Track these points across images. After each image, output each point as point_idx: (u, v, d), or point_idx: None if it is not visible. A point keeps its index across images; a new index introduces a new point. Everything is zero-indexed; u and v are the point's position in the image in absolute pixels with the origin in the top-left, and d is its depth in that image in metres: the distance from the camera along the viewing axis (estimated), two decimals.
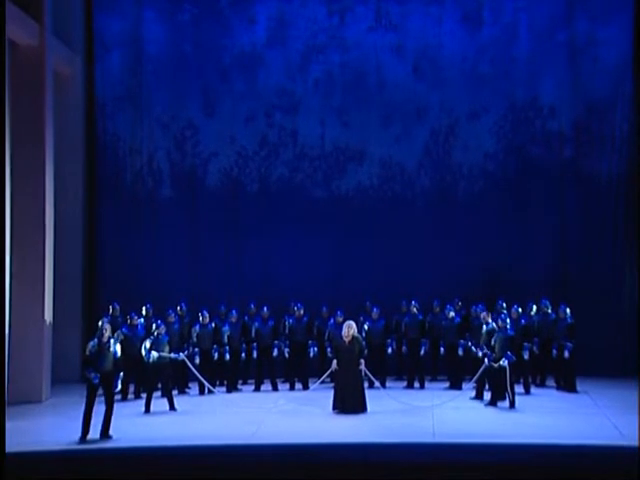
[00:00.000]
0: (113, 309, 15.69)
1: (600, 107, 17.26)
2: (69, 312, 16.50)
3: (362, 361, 13.57)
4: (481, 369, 14.02)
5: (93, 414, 11.84)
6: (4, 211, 13.36)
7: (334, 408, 13.53)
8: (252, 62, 17.74)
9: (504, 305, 15.48)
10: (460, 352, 15.21)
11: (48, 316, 15.16)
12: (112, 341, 12.07)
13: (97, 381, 11.76)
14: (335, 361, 13.73)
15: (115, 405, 12.02)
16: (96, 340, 11.96)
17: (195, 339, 15.44)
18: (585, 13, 17.34)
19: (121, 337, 14.98)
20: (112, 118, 17.64)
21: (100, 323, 15.36)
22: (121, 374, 12.04)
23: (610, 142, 17.24)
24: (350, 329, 13.62)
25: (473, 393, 14.48)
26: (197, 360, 15.29)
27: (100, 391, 11.97)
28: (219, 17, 17.74)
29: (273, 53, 17.75)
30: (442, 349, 15.63)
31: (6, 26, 13.61)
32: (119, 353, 12.09)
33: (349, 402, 13.43)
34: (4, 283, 13.12)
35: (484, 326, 14.54)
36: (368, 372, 13.97)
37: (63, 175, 16.46)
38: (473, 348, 14.96)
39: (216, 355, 15.43)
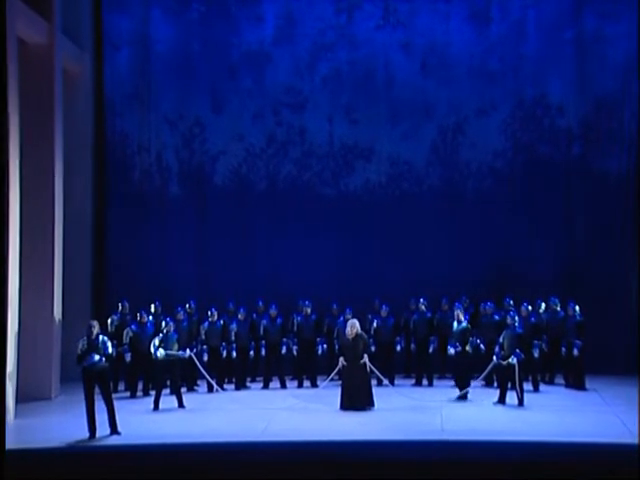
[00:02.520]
0: (122, 307, 15.71)
1: (608, 104, 17.22)
2: (78, 309, 16.51)
3: (365, 356, 13.60)
4: (489, 367, 14.04)
5: (98, 412, 11.88)
6: (10, 209, 13.40)
7: (341, 407, 13.54)
8: (260, 60, 17.74)
9: (511, 303, 15.48)
10: (469, 349, 15.17)
11: (57, 314, 15.20)
12: (101, 338, 12.08)
13: (95, 359, 11.81)
14: (342, 358, 13.76)
15: (124, 402, 12.05)
16: (85, 338, 12.02)
17: (203, 337, 15.45)
18: (593, 10, 17.28)
19: (130, 334, 15.05)
20: (121, 116, 17.68)
21: (109, 320, 15.49)
22: (99, 356, 11.96)
23: (618, 140, 17.21)
24: (353, 328, 13.70)
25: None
26: (205, 358, 15.31)
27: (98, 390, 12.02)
28: (227, 15, 17.75)
29: (281, 51, 17.75)
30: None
31: (15, 24, 13.67)
32: (110, 349, 12.12)
33: (357, 398, 13.46)
34: (6, 281, 13.17)
35: (455, 323, 14.53)
36: (374, 368, 13.98)
37: (72, 173, 16.49)
38: (482, 346, 14.96)
39: (224, 353, 15.45)
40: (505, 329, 13.95)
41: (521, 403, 13.60)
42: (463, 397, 14.19)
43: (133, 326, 15.11)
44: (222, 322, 15.58)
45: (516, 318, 14.06)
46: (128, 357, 15.00)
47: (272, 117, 17.75)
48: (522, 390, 13.66)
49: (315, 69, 17.77)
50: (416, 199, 17.66)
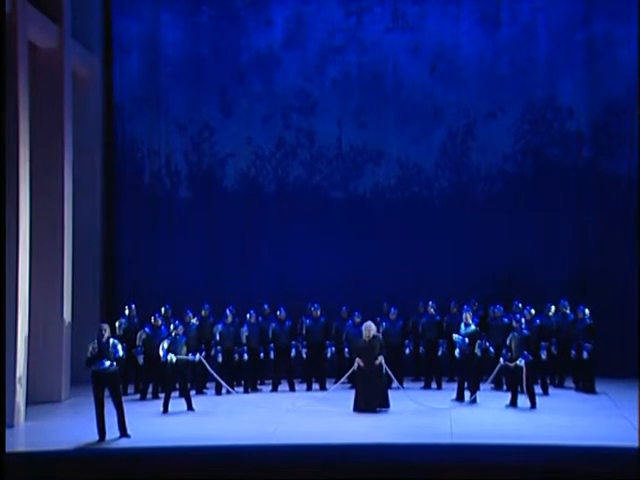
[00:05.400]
0: (129, 310, 15.73)
1: (619, 107, 17.18)
2: (88, 312, 16.54)
3: (380, 357, 13.59)
4: (496, 369, 14.02)
5: (107, 414, 11.92)
6: (20, 212, 13.45)
7: (355, 409, 13.53)
8: (269, 63, 17.77)
9: (520, 306, 15.45)
10: (478, 353, 15.13)
11: (67, 316, 15.24)
12: (112, 341, 12.09)
13: (105, 365, 11.83)
14: (358, 360, 13.73)
15: (133, 405, 12.06)
16: (96, 341, 12.03)
17: (218, 338, 15.42)
18: (603, 12, 17.25)
19: (144, 337, 15.08)
20: (130, 120, 17.72)
21: (117, 324, 15.51)
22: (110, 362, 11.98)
23: (629, 142, 17.15)
24: (370, 330, 13.74)
25: (454, 395, 14.42)
26: (220, 359, 15.28)
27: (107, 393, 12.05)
28: (236, 19, 17.78)
29: (290, 54, 17.77)
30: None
31: (26, 29, 13.73)
32: (120, 352, 12.14)
33: (372, 400, 13.48)
34: (16, 284, 13.22)
35: (462, 326, 14.46)
36: (388, 369, 13.96)
37: (81, 176, 16.52)
38: (491, 349, 14.92)
39: (236, 356, 15.44)
40: (512, 332, 13.95)
41: (533, 406, 13.57)
42: (473, 400, 14.16)
43: (147, 329, 15.12)
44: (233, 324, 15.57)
45: (522, 320, 14.04)
46: (141, 359, 15.02)
47: (281, 120, 17.77)
48: (532, 393, 13.63)
49: (324, 72, 17.78)
50: (425, 202, 17.64)
